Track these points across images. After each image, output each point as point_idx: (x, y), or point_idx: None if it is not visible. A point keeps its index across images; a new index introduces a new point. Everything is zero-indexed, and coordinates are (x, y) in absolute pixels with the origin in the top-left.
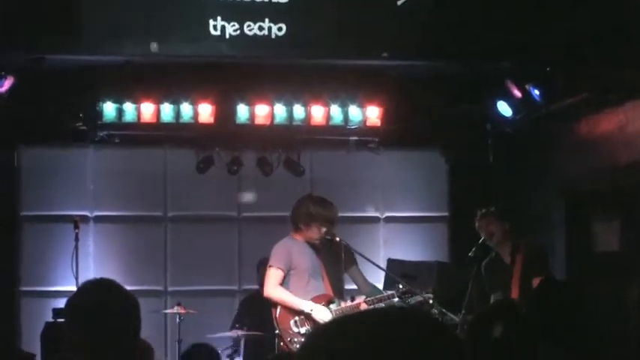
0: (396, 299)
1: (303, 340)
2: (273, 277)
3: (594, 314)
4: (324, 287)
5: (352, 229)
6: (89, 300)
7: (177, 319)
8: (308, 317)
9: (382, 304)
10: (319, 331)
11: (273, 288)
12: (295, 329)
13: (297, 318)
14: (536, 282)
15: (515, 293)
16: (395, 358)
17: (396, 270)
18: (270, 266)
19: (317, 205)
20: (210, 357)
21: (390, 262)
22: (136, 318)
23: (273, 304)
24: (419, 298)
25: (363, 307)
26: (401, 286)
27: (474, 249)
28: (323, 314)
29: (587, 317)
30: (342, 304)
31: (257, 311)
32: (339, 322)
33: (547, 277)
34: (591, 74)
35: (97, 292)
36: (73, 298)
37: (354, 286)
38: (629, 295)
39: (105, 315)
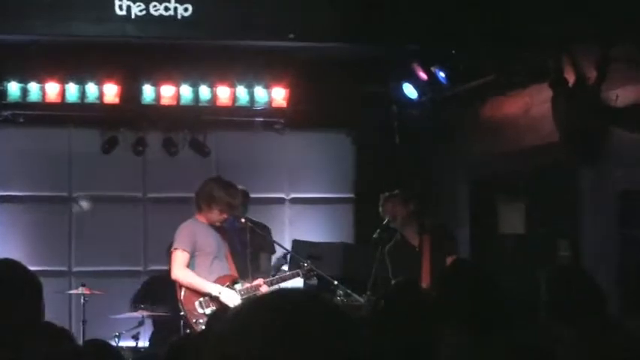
0: (300, 278)
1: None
2: (179, 259)
3: (502, 296)
4: (229, 267)
5: (258, 209)
6: None
7: (82, 300)
8: (213, 299)
9: (285, 284)
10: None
11: (180, 270)
12: (200, 310)
13: (202, 299)
14: (449, 261)
15: (426, 274)
16: (302, 342)
17: (302, 251)
18: (175, 249)
19: (221, 189)
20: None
21: (296, 242)
22: (38, 298)
23: (178, 285)
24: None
25: (264, 287)
26: (305, 265)
27: (378, 231)
28: (231, 297)
29: (495, 299)
30: (247, 285)
31: (161, 292)
32: (250, 307)
33: (457, 257)
34: (496, 56)
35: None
36: None
37: None
38: (535, 277)
39: (6, 295)
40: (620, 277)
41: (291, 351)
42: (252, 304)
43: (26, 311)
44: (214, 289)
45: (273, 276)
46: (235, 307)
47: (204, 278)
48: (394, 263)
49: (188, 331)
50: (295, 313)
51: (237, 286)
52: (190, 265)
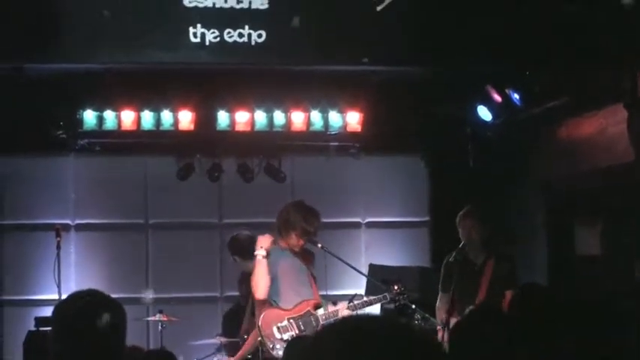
0: (383, 302)
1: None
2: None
3: (580, 319)
4: (312, 293)
5: (334, 234)
6: (77, 312)
7: (160, 327)
8: (290, 324)
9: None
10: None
11: (258, 291)
12: (278, 336)
13: (279, 324)
14: (508, 295)
15: (481, 297)
16: None
17: (378, 275)
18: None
19: (298, 214)
20: None
21: (372, 267)
22: (123, 329)
23: (257, 312)
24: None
25: (346, 312)
26: (396, 287)
27: (454, 254)
28: (265, 241)
29: (568, 324)
30: (330, 309)
31: (238, 320)
32: (325, 336)
33: (530, 283)
34: (571, 78)
35: (86, 303)
36: (61, 309)
37: (338, 292)
38: (613, 298)
39: (93, 327)
40: None
41: None
42: (327, 333)
43: (110, 341)
44: (258, 253)
45: (350, 301)
46: (313, 335)
47: (285, 304)
48: (452, 277)
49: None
50: (369, 343)
51: (320, 311)
52: (272, 291)
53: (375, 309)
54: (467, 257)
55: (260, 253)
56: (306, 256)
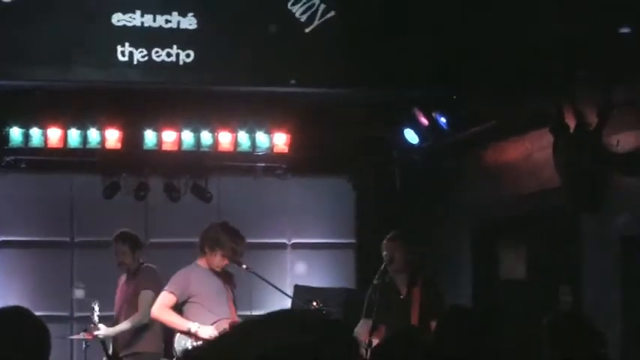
0: None
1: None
2: (162, 299)
3: (503, 341)
4: (229, 312)
5: (260, 255)
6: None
7: (84, 345)
8: (192, 334)
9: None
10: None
11: (159, 310)
12: (178, 347)
13: (193, 342)
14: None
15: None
16: None
17: (303, 296)
18: (164, 290)
19: (227, 234)
20: None
21: (297, 288)
22: (46, 347)
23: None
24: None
25: None
26: (314, 304)
27: (377, 276)
28: (209, 332)
29: (496, 344)
30: None
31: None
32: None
33: (455, 305)
34: (497, 103)
35: (8, 320)
36: None
37: (263, 312)
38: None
39: (16, 344)
40: (622, 323)
41: None
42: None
43: (34, 358)
44: (192, 325)
45: None
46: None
47: (202, 323)
48: (374, 303)
49: None
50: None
51: None
52: (186, 310)
53: None
54: (391, 282)
55: (194, 326)
56: (226, 277)
